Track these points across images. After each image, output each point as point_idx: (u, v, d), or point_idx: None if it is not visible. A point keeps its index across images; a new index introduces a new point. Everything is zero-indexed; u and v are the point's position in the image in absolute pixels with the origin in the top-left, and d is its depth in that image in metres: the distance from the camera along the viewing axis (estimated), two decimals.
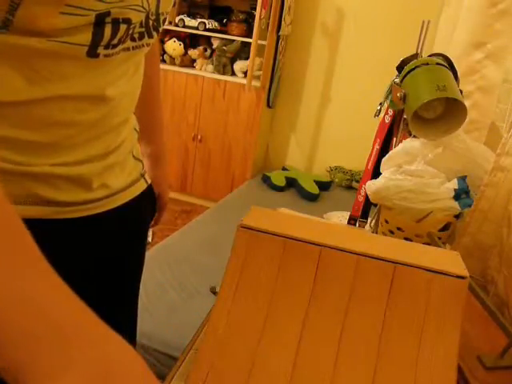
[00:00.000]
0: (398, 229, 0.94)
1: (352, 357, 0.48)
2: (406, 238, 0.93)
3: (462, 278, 0.49)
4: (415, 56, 1.02)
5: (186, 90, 3.02)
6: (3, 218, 0.31)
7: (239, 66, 2.94)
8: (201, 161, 3.14)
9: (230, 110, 2.98)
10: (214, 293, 1.55)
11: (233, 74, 2.97)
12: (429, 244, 0.84)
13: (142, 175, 0.77)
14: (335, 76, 3.05)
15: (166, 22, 0.64)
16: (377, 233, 1.05)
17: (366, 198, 1.08)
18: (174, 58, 3.02)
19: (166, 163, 0.92)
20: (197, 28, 2.87)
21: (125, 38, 0.54)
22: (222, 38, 2.90)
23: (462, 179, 0.92)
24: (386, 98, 1.06)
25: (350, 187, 3.05)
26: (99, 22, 0.49)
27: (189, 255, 1.95)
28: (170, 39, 2.97)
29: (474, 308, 0.68)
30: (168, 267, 1.83)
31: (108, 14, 0.49)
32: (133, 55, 0.59)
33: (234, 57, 2.95)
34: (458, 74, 0.99)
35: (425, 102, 0.89)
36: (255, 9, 2.65)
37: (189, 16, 2.92)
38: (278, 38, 2.86)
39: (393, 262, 0.50)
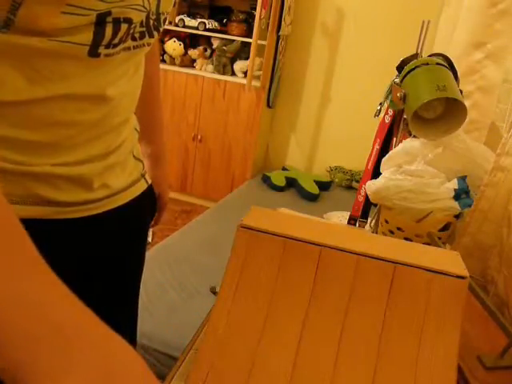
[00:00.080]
0: (398, 229, 0.94)
1: (352, 357, 0.48)
2: (406, 238, 0.93)
3: (462, 277, 0.49)
4: (415, 56, 1.02)
5: (185, 90, 3.02)
6: (1, 218, 0.31)
7: (239, 66, 2.94)
8: (201, 161, 3.14)
9: (230, 110, 2.98)
10: (214, 293, 1.55)
11: (233, 74, 2.97)
12: (429, 244, 0.84)
13: (143, 175, 0.77)
14: (335, 76, 3.05)
15: (166, 22, 0.64)
16: (377, 233, 1.05)
17: (366, 198, 1.08)
18: (174, 58, 3.02)
19: (166, 163, 0.92)
20: (197, 28, 2.87)
21: (125, 38, 0.54)
22: (222, 38, 2.90)
23: (462, 179, 0.92)
24: (386, 97, 1.06)
25: (350, 187, 3.05)
26: (100, 21, 0.49)
27: (189, 255, 1.95)
28: (170, 39, 2.97)
29: (474, 308, 0.68)
30: (168, 267, 1.83)
31: (109, 13, 0.49)
32: (133, 55, 0.59)
33: (234, 57, 2.95)
34: (458, 74, 0.99)
35: (425, 101, 0.89)
36: (255, 9, 2.65)
37: (189, 16, 2.92)
38: (278, 37, 2.86)
39: (393, 262, 0.50)
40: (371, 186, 0.97)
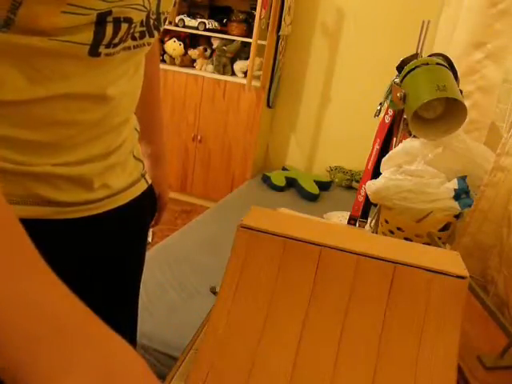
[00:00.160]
0: (398, 229, 0.94)
1: (352, 357, 0.48)
2: (406, 238, 0.93)
3: (462, 277, 0.49)
4: (415, 56, 1.02)
5: (185, 90, 3.02)
6: (1, 218, 0.31)
7: (239, 66, 2.94)
8: (201, 161, 3.14)
9: (230, 110, 2.98)
10: (214, 293, 1.55)
11: (233, 74, 2.97)
12: (429, 244, 0.84)
13: (143, 175, 0.77)
14: (335, 76, 3.05)
15: (167, 22, 0.64)
16: (377, 233, 1.05)
17: (366, 197, 1.08)
18: (174, 58, 3.02)
19: (166, 163, 0.92)
20: (197, 28, 2.87)
21: (126, 37, 0.54)
22: (222, 38, 2.90)
23: (462, 179, 0.92)
24: (386, 97, 1.06)
25: (350, 187, 3.05)
26: (101, 21, 0.49)
27: (189, 255, 1.95)
28: (170, 39, 2.97)
29: (474, 308, 0.68)
30: (168, 267, 1.83)
31: (109, 13, 0.49)
32: (133, 54, 0.59)
33: (234, 57, 2.95)
34: (458, 74, 0.99)
35: (425, 101, 0.89)
36: (255, 9, 2.65)
37: (189, 16, 2.92)
38: (278, 37, 2.86)
39: (393, 262, 0.50)
40: (371, 186, 0.97)
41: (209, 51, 3.03)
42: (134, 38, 0.56)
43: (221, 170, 3.11)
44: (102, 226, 0.68)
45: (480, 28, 1.21)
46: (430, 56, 1.02)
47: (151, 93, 0.85)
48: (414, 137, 1.00)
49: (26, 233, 0.31)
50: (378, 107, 1.11)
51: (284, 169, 3.22)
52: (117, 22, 0.51)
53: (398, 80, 0.99)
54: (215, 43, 2.96)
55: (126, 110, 0.65)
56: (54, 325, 0.28)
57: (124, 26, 0.52)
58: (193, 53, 3.03)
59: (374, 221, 1.10)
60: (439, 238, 0.88)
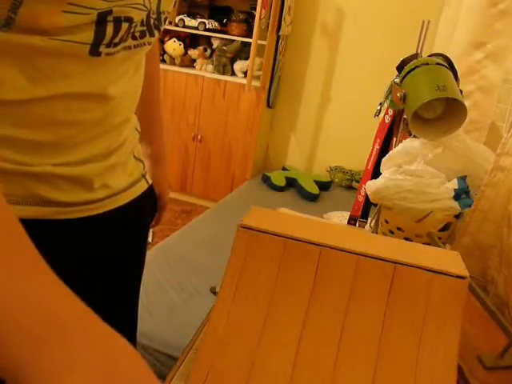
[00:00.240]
0: (398, 229, 0.94)
1: (352, 357, 0.48)
2: (406, 238, 0.93)
3: (462, 277, 0.49)
4: (415, 56, 1.02)
5: (186, 90, 3.02)
6: (1, 219, 0.31)
7: (239, 66, 2.94)
8: (201, 161, 3.14)
9: (230, 110, 2.98)
10: (214, 293, 1.55)
11: (233, 74, 2.97)
12: (429, 244, 0.84)
13: (143, 175, 0.77)
14: (335, 76, 3.05)
15: (167, 22, 0.64)
16: (377, 233, 1.05)
17: (366, 197, 1.08)
18: (174, 58, 3.02)
19: (166, 163, 0.92)
20: (197, 28, 2.87)
21: (126, 37, 0.54)
22: (222, 38, 2.90)
23: (462, 179, 0.92)
24: (386, 98, 1.06)
25: (350, 187, 3.05)
26: (101, 20, 0.49)
27: (189, 255, 1.95)
28: (170, 39, 2.97)
29: (474, 308, 0.68)
30: (168, 267, 1.83)
31: (110, 12, 0.49)
32: (134, 54, 0.59)
33: (234, 57, 2.95)
34: (458, 74, 0.99)
35: (425, 101, 0.89)
36: (255, 9, 2.65)
37: (189, 16, 2.92)
38: (278, 37, 2.86)
39: (393, 262, 0.50)
40: (371, 186, 0.97)
41: (209, 51, 3.03)
42: (134, 38, 0.56)
43: (221, 170, 3.12)
44: (102, 226, 0.68)
45: (480, 28, 1.21)
46: (429, 56, 1.02)
47: (151, 93, 0.85)
48: (414, 137, 1.00)
49: (26, 233, 0.31)
50: (378, 107, 1.11)
51: (284, 169, 3.22)
52: (117, 22, 0.51)
53: (398, 80, 0.99)
54: (215, 43, 2.96)
55: (127, 110, 0.65)
56: (55, 324, 0.28)
57: (124, 26, 0.52)
58: (193, 53, 3.03)
59: (374, 221, 1.10)
60: (439, 238, 0.88)
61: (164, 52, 3.02)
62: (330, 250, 0.52)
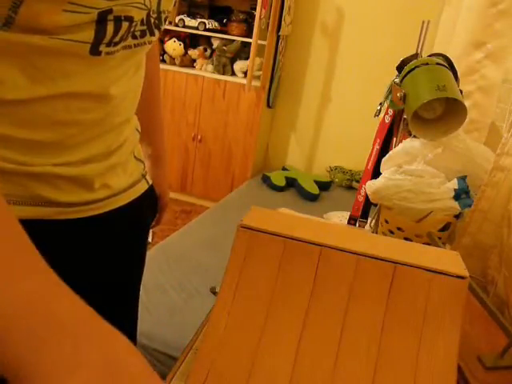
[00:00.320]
0: (398, 229, 0.94)
1: (352, 357, 0.48)
2: (406, 238, 0.93)
3: (462, 278, 0.49)
4: (415, 56, 1.02)
5: (186, 90, 3.02)
6: (1, 219, 0.31)
7: (239, 65, 2.94)
8: (201, 161, 3.14)
9: (230, 110, 2.98)
10: (214, 293, 1.55)
11: (233, 74, 2.97)
12: (429, 244, 0.84)
13: (144, 176, 0.77)
14: (335, 76, 3.05)
15: (167, 21, 0.64)
16: (377, 233, 1.05)
17: (366, 198, 1.08)
18: (174, 58, 3.02)
19: (166, 163, 0.92)
20: (197, 28, 2.87)
21: (126, 36, 0.54)
22: (222, 38, 2.90)
23: (462, 179, 0.92)
24: (386, 98, 1.06)
25: (350, 187, 3.05)
26: (101, 19, 0.49)
27: (189, 255, 1.95)
28: (170, 39, 2.97)
29: (474, 308, 0.68)
30: (168, 267, 1.83)
31: (110, 11, 0.49)
32: (134, 53, 0.59)
33: (234, 57, 2.95)
34: (458, 74, 0.99)
35: (425, 101, 0.89)
36: (255, 9, 2.65)
37: (189, 16, 2.92)
38: (278, 37, 2.86)
39: (393, 262, 0.50)
40: (371, 186, 0.97)
41: (209, 51, 3.03)
42: (134, 37, 0.56)
43: (221, 170, 3.12)
44: (102, 227, 0.68)
45: (480, 28, 1.21)
46: (429, 56, 1.02)
47: (151, 93, 0.85)
48: (414, 137, 1.00)
49: (26, 233, 0.31)
50: (378, 107, 1.11)
51: (284, 169, 3.22)
52: (118, 21, 0.51)
53: (397, 80, 0.99)
54: (215, 43, 2.96)
55: (127, 110, 0.65)
56: (56, 324, 0.28)
57: (125, 25, 0.52)
58: (193, 53, 3.03)
59: (374, 221, 1.10)
60: (439, 238, 0.88)
61: (164, 52, 3.02)
62: (330, 249, 0.52)
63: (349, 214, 1.18)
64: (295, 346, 0.49)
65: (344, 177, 3.07)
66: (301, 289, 0.52)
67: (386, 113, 1.09)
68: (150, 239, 0.88)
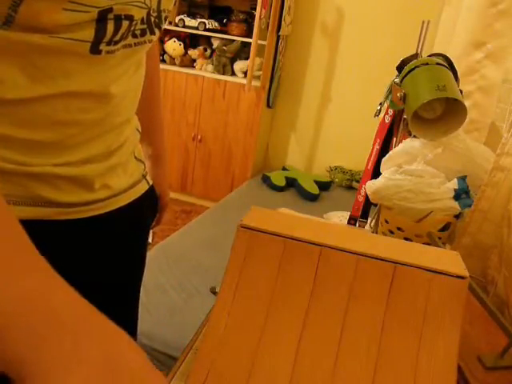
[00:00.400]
0: (398, 229, 0.94)
1: (352, 356, 0.48)
2: (406, 238, 0.93)
3: (462, 278, 0.49)
4: (415, 56, 1.02)
5: (186, 90, 3.02)
6: (0, 219, 0.31)
7: (239, 66, 2.94)
8: (201, 161, 3.14)
9: (230, 110, 2.98)
10: (214, 293, 1.55)
11: (233, 74, 2.97)
12: (429, 244, 0.84)
13: (144, 176, 0.77)
14: (335, 76, 3.05)
15: (167, 20, 0.64)
16: (377, 233, 1.05)
17: (366, 197, 1.08)
18: (174, 58, 3.02)
19: (166, 164, 0.92)
20: (197, 28, 2.87)
21: (126, 35, 0.54)
22: (222, 38, 2.90)
23: (462, 179, 0.92)
24: (386, 98, 1.06)
25: (350, 187, 3.05)
26: (102, 18, 0.49)
27: (189, 255, 1.95)
28: (170, 39, 2.97)
29: (474, 308, 0.68)
30: (168, 267, 1.83)
31: (110, 10, 0.49)
32: (134, 52, 0.59)
33: (234, 57, 2.95)
34: (458, 74, 0.99)
35: (425, 101, 0.89)
36: (255, 9, 2.65)
37: (189, 16, 2.92)
38: (278, 37, 2.86)
39: (393, 262, 0.50)
40: (371, 186, 0.97)
41: (209, 51, 3.03)
42: (134, 36, 0.56)
43: (221, 170, 3.12)
44: (102, 227, 0.68)
45: (480, 28, 1.21)
46: (429, 56, 1.02)
47: (151, 92, 0.85)
48: (414, 137, 1.00)
49: (26, 233, 0.31)
50: (378, 107, 1.11)
51: (284, 169, 3.22)
52: (118, 20, 0.51)
53: (397, 80, 0.99)
54: (215, 43, 2.96)
55: (128, 110, 0.65)
56: (56, 321, 0.28)
57: (125, 24, 0.52)
58: (193, 53, 3.03)
59: (374, 221, 1.10)
60: (439, 238, 0.88)
61: (164, 52, 3.02)
62: (330, 249, 0.52)
63: (349, 214, 1.18)
64: (295, 346, 0.49)
65: (344, 177, 3.07)
66: (301, 289, 0.52)
67: (386, 113, 1.09)
68: (150, 239, 0.88)
